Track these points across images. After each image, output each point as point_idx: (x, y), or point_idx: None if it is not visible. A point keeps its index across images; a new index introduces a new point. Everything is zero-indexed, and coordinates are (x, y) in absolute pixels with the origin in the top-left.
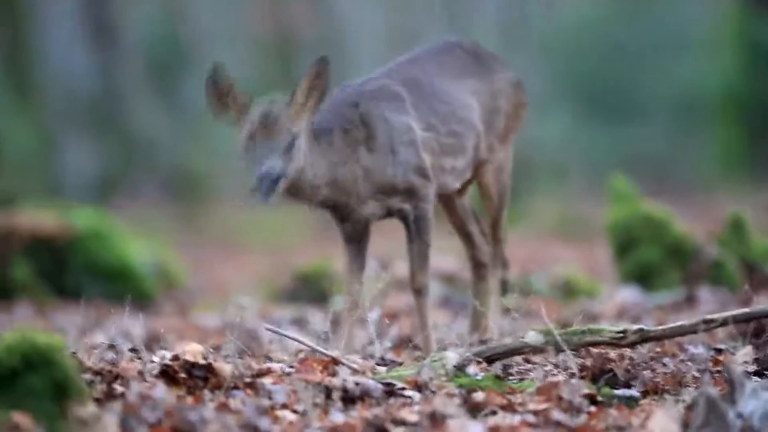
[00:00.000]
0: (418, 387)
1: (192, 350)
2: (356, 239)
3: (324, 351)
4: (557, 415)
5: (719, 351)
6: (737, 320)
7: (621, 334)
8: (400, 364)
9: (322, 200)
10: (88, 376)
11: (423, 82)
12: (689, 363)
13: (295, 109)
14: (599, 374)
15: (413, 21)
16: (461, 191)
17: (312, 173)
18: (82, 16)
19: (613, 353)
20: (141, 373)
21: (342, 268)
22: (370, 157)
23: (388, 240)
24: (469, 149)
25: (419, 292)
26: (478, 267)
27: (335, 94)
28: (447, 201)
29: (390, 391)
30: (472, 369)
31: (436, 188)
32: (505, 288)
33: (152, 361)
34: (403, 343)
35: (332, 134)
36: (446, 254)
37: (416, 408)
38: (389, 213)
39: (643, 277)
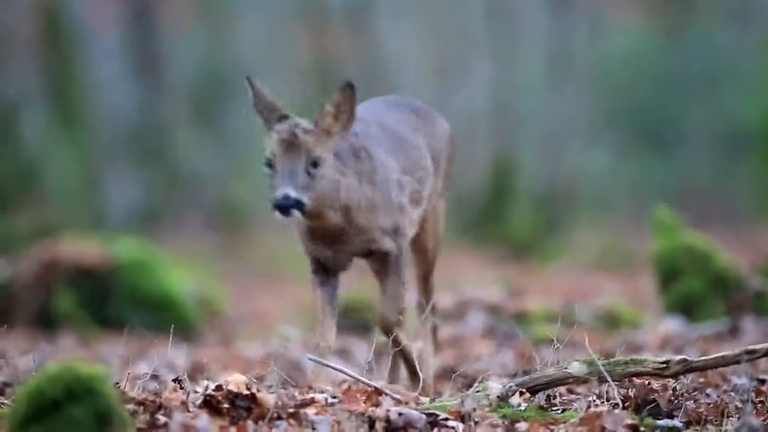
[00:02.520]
0: (462, 417)
1: (235, 380)
2: (330, 284)
3: (367, 381)
4: None
5: (762, 381)
6: None
7: (664, 365)
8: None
9: (332, 226)
10: (131, 406)
11: (393, 128)
12: (732, 393)
13: (320, 134)
14: (642, 404)
15: (457, 50)
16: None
17: (331, 195)
18: (128, 50)
19: (656, 384)
20: (184, 404)
21: (314, 312)
22: (373, 191)
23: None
24: (425, 200)
25: (391, 330)
26: None
27: None
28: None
29: (433, 421)
30: (515, 399)
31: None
32: (435, 335)
33: (195, 392)
34: (446, 374)
35: (347, 158)
36: (490, 285)
37: None
38: (370, 253)
39: (687, 308)
